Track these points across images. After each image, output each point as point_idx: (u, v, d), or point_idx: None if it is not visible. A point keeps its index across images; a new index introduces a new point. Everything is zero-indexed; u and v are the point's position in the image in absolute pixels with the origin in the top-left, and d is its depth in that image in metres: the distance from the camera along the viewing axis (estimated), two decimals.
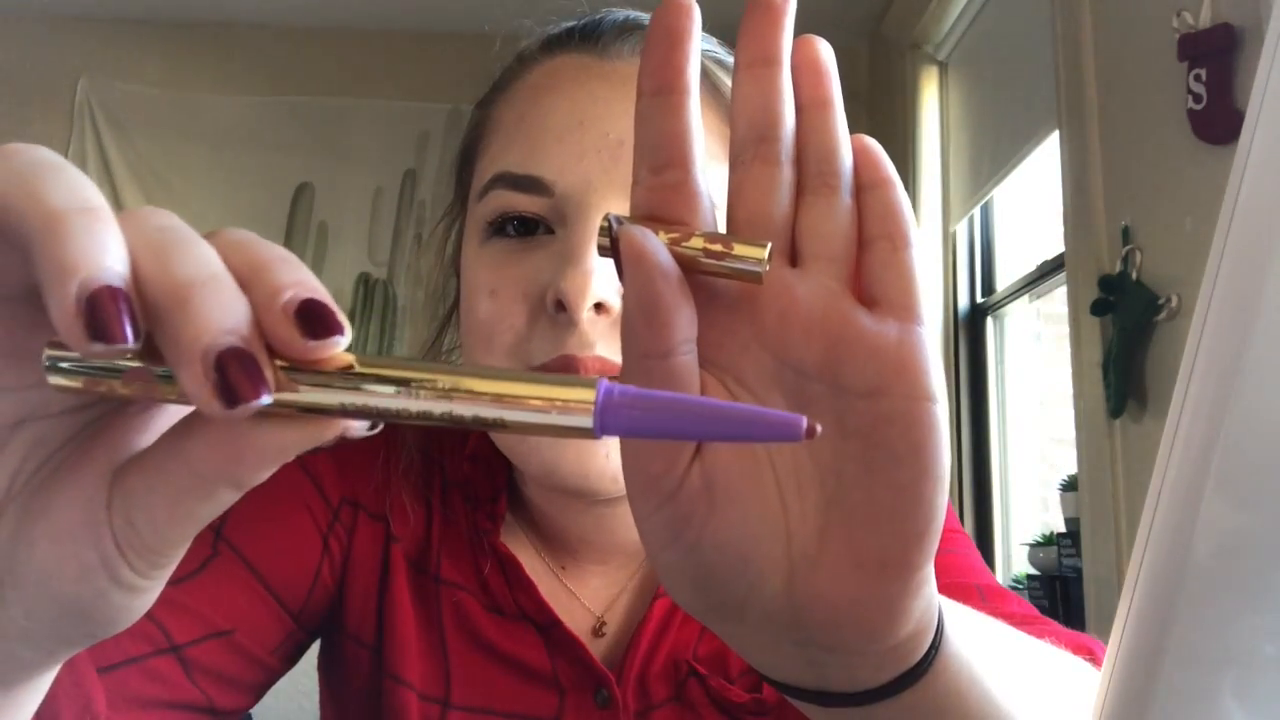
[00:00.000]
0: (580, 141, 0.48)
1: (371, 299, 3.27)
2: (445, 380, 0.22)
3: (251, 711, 0.58)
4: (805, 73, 0.29)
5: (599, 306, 0.46)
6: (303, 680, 0.64)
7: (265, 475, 0.23)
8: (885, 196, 0.27)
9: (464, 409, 0.22)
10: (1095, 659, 0.45)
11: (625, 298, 0.26)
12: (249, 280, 0.21)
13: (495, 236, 0.50)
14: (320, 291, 0.21)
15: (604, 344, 0.47)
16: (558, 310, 0.46)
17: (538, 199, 0.49)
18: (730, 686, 0.57)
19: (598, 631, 0.58)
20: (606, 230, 0.28)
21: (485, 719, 0.56)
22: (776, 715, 0.58)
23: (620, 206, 0.47)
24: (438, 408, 0.22)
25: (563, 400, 0.22)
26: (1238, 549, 0.25)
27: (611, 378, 0.23)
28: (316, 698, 0.64)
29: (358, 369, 0.22)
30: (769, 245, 0.27)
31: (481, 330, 0.49)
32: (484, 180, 0.51)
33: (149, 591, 0.24)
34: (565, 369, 0.46)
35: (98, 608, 0.23)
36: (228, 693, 0.51)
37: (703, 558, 0.27)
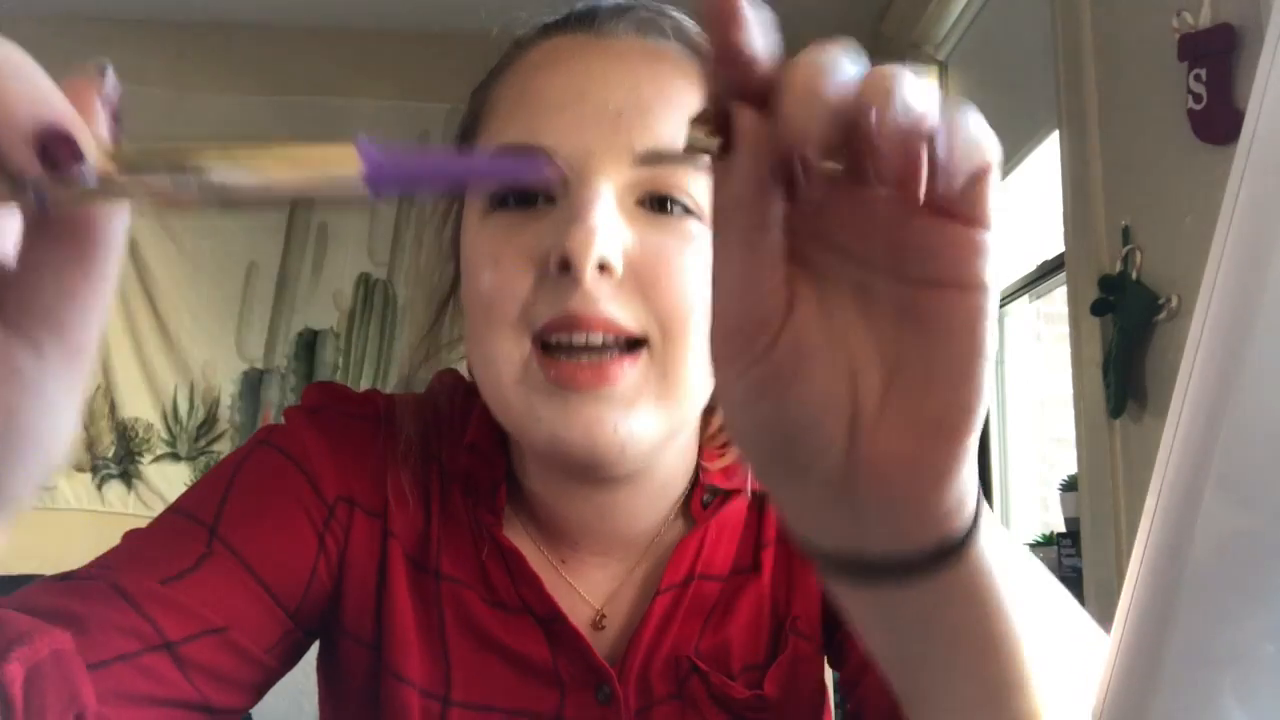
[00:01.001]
0: (580, 112, 0.49)
1: (371, 299, 3.27)
2: (219, 153, 0.24)
3: (251, 711, 0.58)
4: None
5: (603, 267, 0.46)
6: (302, 680, 0.64)
7: None
8: (962, 125, 0.28)
9: (245, 177, 0.24)
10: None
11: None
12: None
13: (497, 209, 0.50)
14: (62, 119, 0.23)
15: (609, 302, 0.47)
16: (561, 271, 0.47)
17: None
18: (731, 683, 0.57)
19: (597, 625, 0.58)
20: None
21: (486, 716, 0.56)
22: (777, 712, 0.58)
23: (620, 171, 0.48)
24: (231, 178, 0.24)
25: (327, 157, 0.24)
26: (1238, 549, 0.25)
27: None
28: (316, 698, 0.64)
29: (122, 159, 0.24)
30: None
31: (484, 300, 0.49)
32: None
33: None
34: (570, 327, 0.46)
35: None
36: (224, 691, 0.51)
37: (785, 414, 0.29)
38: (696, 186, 0.49)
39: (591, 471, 0.51)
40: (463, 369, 0.67)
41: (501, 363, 0.49)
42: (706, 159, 0.28)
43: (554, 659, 0.56)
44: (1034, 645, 0.34)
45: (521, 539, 0.59)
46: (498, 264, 0.49)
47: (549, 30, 0.55)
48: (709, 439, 0.60)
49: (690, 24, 0.55)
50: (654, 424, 0.49)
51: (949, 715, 0.34)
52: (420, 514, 0.58)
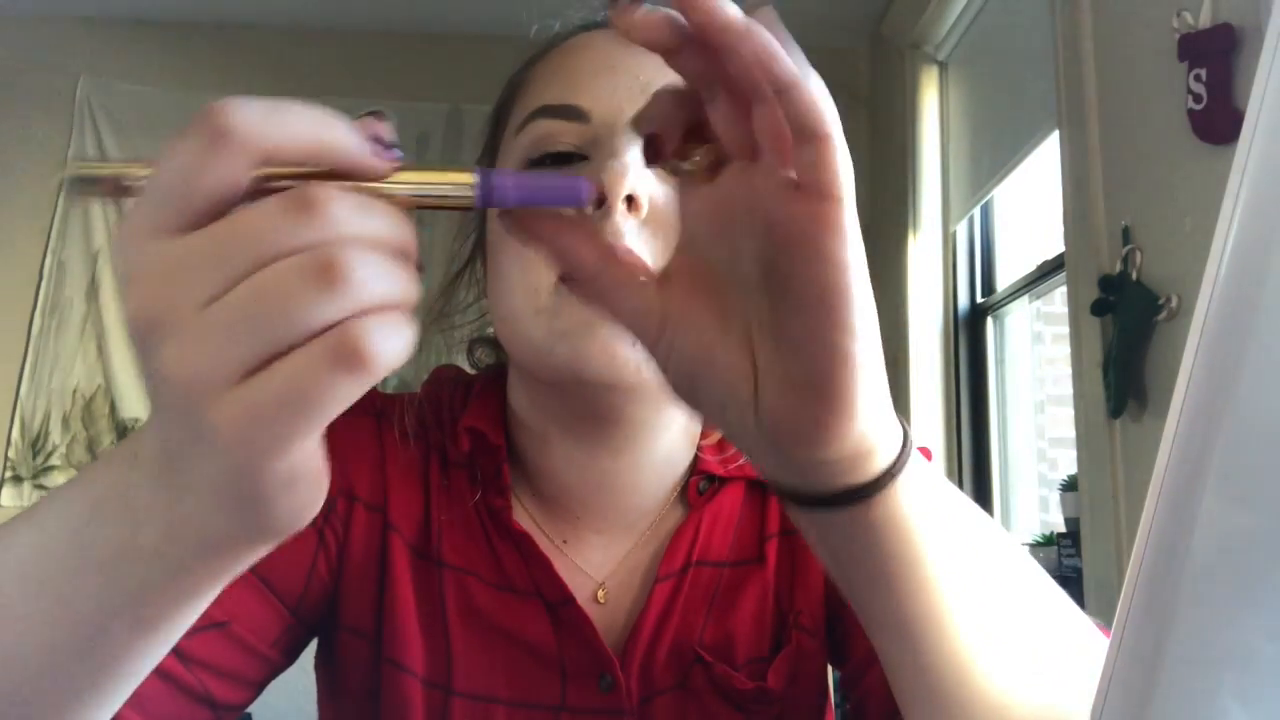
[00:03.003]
0: (613, 81, 0.53)
1: None
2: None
3: (251, 711, 0.58)
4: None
5: (630, 201, 0.49)
6: (303, 679, 0.64)
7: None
8: (796, 97, 0.30)
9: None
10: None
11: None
12: None
13: (532, 169, 0.53)
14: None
15: (633, 237, 0.49)
16: (595, 208, 0.49)
17: (576, 125, 0.52)
18: (735, 674, 0.57)
19: (599, 599, 0.59)
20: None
21: (488, 706, 0.56)
22: (780, 705, 0.58)
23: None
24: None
25: (449, 181, 0.31)
26: (1238, 549, 0.25)
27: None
28: (315, 698, 0.64)
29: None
30: (698, 156, 0.34)
31: (519, 255, 0.52)
32: (524, 115, 0.55)
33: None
34: None
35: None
36: (226, 685, 0.52)
37: (697, 386, 0.35)
38: None
39: (607, 395, 0.53)
40: (462, 363, 0.68)
41: (528, 293, 0.51)
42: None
43: (559, 646, 0.57)
44: (965, 591, 0.37)
45: (525, 521, 0.60)
46: None
47: (584, 27, 0.59)
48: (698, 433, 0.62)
49: None
50: None
51: (881, 635, 0.38)
52: (420, 503, 0.59)
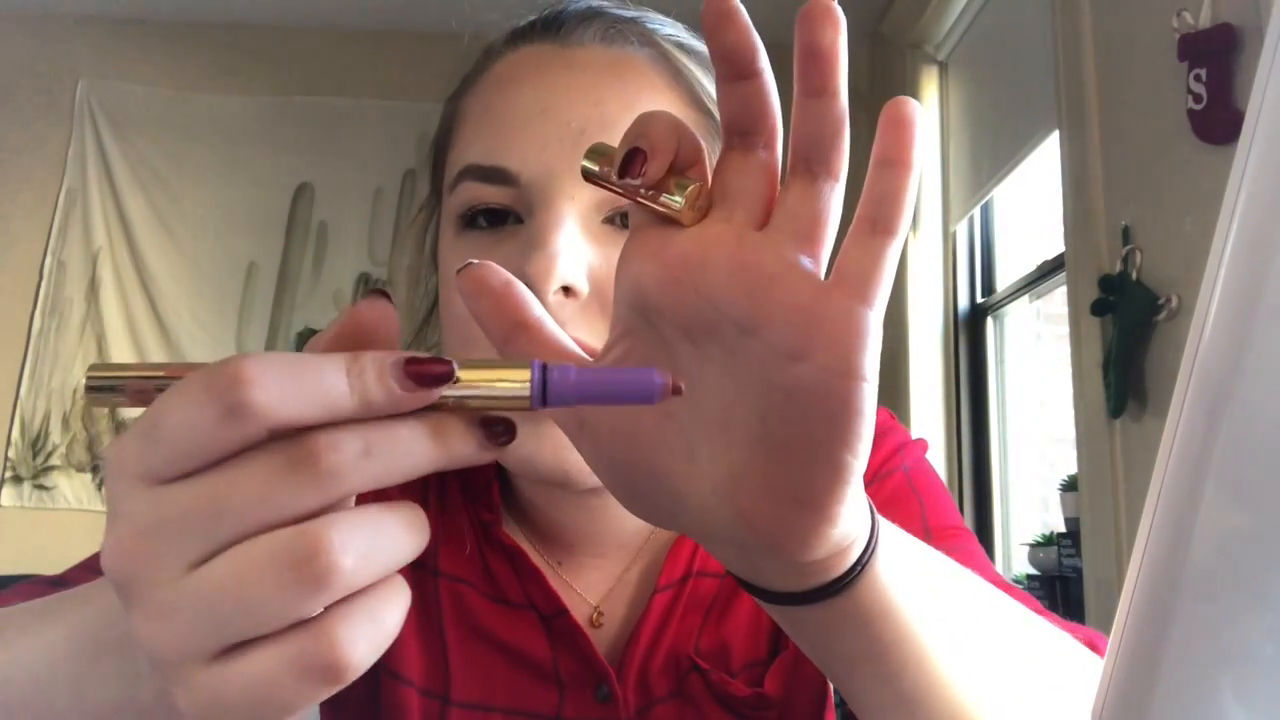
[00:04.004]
0: (543, 131, 0.49)
1: None
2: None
3: None
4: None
5: (567, 290, 0.47)
6: None
7: None
8: (889, 177, 0.28)
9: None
10: (1097, 650, 0.45)
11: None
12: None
13: (468, 229, 0.52)
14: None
15: (573, 324, 0.48)
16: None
17: (504, 189, 0.50)
18: (732, 681, 0.57)
19: (595, 623, 0.59)
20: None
21: (485, 716, 0.56)
22: (778, 711, 0.58)
23: (584, 190, 0.48)
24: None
25: (500, 379, 0.27)
26: (1238, 549, 0.25)
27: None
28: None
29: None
30: (691, 187, 0.30)
31: (457, 325, 0.50)
32: (454, 173, 0.52)
33: None
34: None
35: None
36: None
37: (607, 460, 0.32)
38: None
39: (566, 487, 0.51)
40: None
41: None
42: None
43: (554, 657, 0.56)
44: (956, 654, 0.35)
45: (519, 540, 0.59)
46: None
47: (516, 39, 0.55)
48: None
49: (658, 26, 0.55)
50: None
51: (871, 715, 0.36)
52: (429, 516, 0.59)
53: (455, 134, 0.55)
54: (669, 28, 0.55)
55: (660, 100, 0.51)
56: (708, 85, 0.53)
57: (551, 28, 0.54)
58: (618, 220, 0.50)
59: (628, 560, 0.60)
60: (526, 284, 0.45)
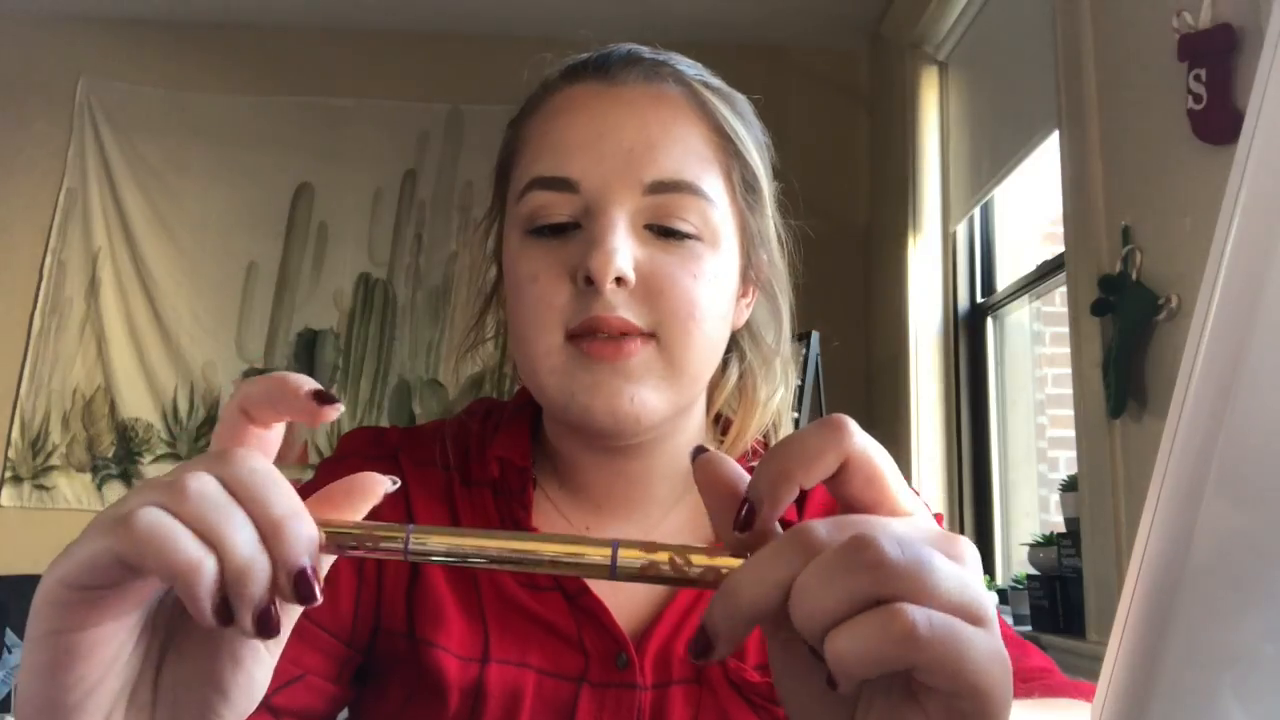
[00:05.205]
0: (599, 149, 0.60)
1: (371, 299, 3.27)
2: (496, 547, 0.35)
3: None
4: None
5: (619, 280, 0.57)
6: None
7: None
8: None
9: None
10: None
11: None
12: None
13: (534, 235, 0.61)
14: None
15: (624, 308, 0.58)
16: (587, 284, 0.58)
17: (566, 196, 0.60)
18: (748, 669, 0.61)
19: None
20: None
21: (521, 671, 0.61)
22: None
23: (632, 199, 0.60)
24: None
25: (584, 555, 0.34)
26: (1238, 549, 0.25)
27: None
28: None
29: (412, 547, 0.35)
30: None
31: (529, 308, 0.60)
32: (521, 185, 0.62)
33: None
34: (594, 329, 0.58)
35: None
36: None
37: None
38: (695, 214, 0.60)
39: (613, 438, 0.61)
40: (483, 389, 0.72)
41: (542, 354, 0.60)
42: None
43: (579, 631, 0.62)
44: None
45: (548, 513, 0.66)
46: (537, 280, 0.60)
47: (570, 76, 0.66)
48: (711, 423, 0.70)
49: (687, 69, 0.66)
50: (662, 397, 0.60)
51: None
52: (446, 513, 0.65)
53: (520, 154, 0.65)
54: (694, 69, 0.66)
55: (691, 127, 0.62)
56: (727, 115, 0.65)
57: (600, 69, 0.65)
58: (656, 229, 0.60)
59: (654, 518, 0.66)
60: (588, 275, 0.57)
